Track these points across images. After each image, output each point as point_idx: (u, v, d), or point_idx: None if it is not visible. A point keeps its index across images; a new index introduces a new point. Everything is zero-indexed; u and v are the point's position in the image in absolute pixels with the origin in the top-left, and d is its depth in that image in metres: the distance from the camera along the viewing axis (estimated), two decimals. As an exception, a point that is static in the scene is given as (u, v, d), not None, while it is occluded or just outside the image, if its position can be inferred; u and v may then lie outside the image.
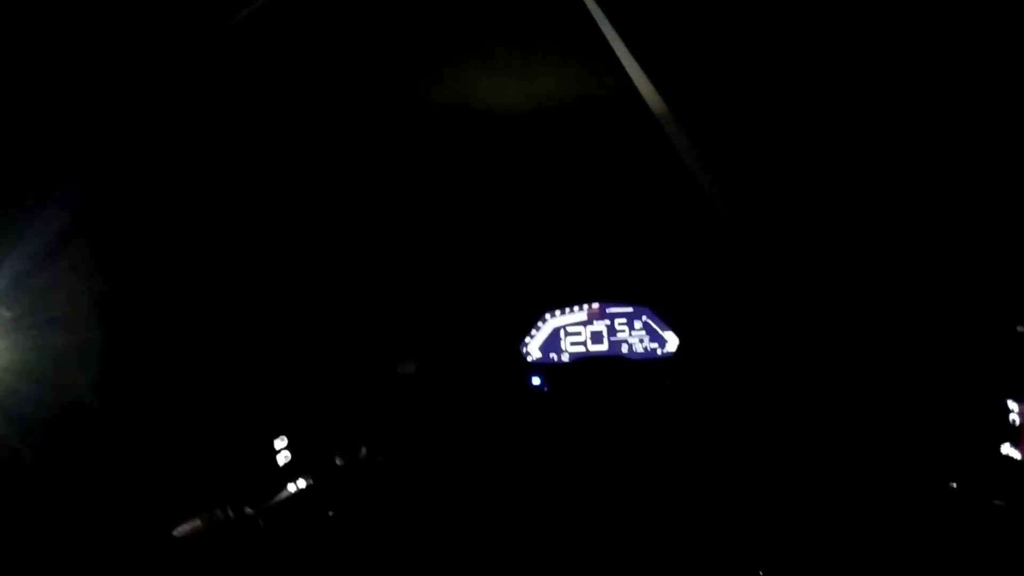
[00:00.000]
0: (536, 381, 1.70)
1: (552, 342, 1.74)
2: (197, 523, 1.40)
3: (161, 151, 4.28)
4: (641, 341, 1.72)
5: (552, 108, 4.44)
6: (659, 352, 1.71)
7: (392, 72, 5.57)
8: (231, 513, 1.41)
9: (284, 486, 1.46)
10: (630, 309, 1.74)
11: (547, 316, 1.74)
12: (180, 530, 1.39)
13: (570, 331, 1.74)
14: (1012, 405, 1.54)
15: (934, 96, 3.87)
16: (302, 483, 1.47)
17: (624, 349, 1.72)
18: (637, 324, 1.73)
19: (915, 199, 2.70)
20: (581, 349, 1.73)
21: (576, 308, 1.74)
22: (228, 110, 4.99)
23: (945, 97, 3.83)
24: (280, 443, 1.47)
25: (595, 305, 1.74)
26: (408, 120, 4.58)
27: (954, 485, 1.53)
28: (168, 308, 2.00)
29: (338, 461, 1.50)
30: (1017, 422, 1.54)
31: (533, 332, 1.74)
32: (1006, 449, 1.53)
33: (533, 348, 1.74)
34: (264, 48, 6.21)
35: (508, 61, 5.57)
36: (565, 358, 1.73)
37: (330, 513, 1.48)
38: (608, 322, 1.74)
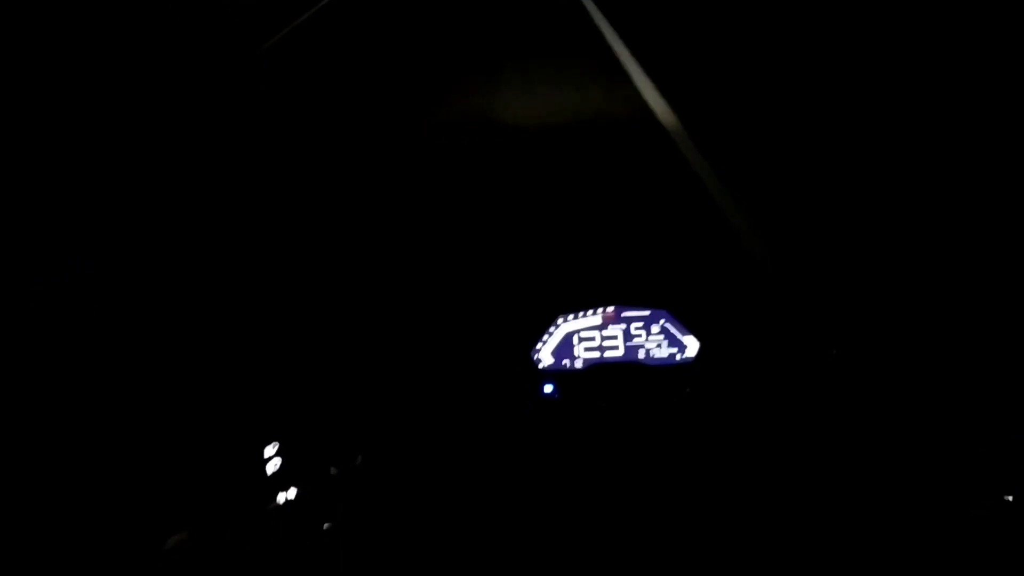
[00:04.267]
0: (548, 389, 1.59)
1: (565, 348, 1.63)
2: (183, 536, 1.28)
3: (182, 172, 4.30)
4: (659, 346, 1.62)
5: (571, 123, 4.42)
6: (678, 358, 1.61)
7: (414, 88, 5.63)
8: (218, 526, 1.28)
9: (274, 497, 1.33)
10: (647, 312, 1.64)
11: (559, 320, 1.64)
12: (167, 544, 1.26)
13: (584, 336, 1.64)
14: None
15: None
16: (293, 493, 1.34)
17: (641, 355, 1.62)
18: (655, 328, 1.63)
19: (935, 215, 2.64)
20: (596, 355, 1.63)
21: (590, 312, 1.64)
22: (258, 128, 5.05)
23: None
24: (270, 450, 1.34)
25: (610, 309, 1.64)
26: (428, 133, 4.57)
27: (1010, 498, 1.42)
28: (156, 309, 1.90)
29: (332, 470, 1.37)
30: None
31: (545, 337, 1.63)
32: None
33: (545, 354, 1.63)
34: (296, 68, 6.37)
35: (528, 79, 5.59)
36: (579, 364, 1.63)
37: (324, 526, 1.35)
38: (624, 326, 1.63)
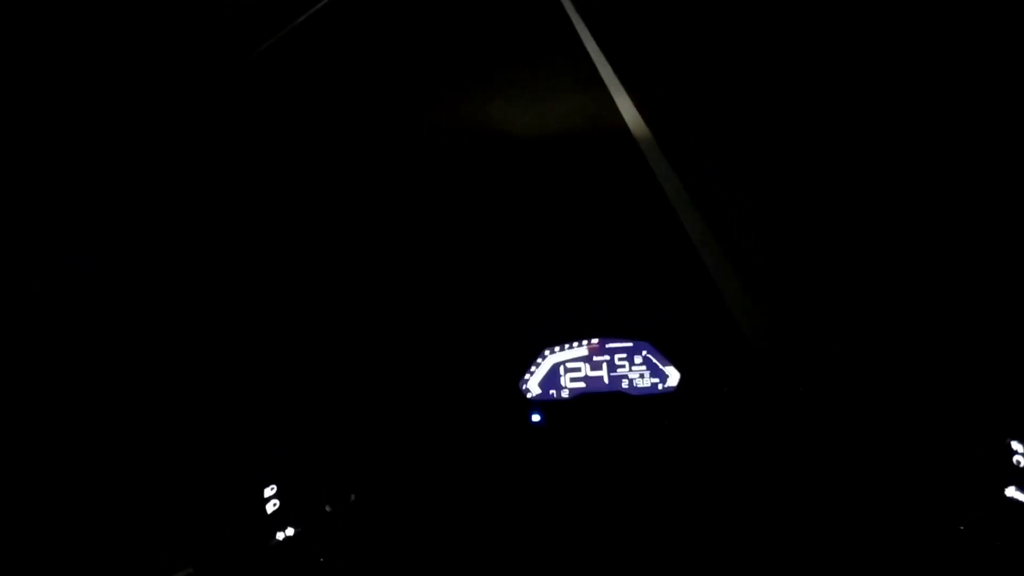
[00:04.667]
0: (536, 418, 1.65)
1: (552, 378, 1.69)
2: (188, 572, 1.35)
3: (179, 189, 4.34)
4: (642, 376, 1.68)
5: (549, 139, 4.41)
6: (660, 387, 1.67)
7: (400, 96, 5.65)
8: (221, 562, 1.35)
9: (273, 535, 1.40)
10: (630, 344, 1.69)
11: (546, 352, 1.69)
12: None
13: (570, 367, 1.69)
14: (1017, 446, 1.51)
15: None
16: (291, 531, 1.41)
17: (625, 385, 1.68)
18: (637, 359, 1.68)
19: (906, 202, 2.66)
20: (581, 385, 1.69)
21: (576, 344, 1.70)
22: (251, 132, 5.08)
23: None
24: (269, 491, 1.41)
25: (595, 340, 1.70)
26: (409, 147, 4.58)
27: (961, 528, 1.49)
28: (157, 344, 1.96)
29: (327, 508, 1.44)
30: (1022, 463, 1.50)
31: (532, 368, 1.69)
32: (1011, 492, 1.49)
33: (532, 384, 1.69)
34: (288, 73, 6.45)
35: (514, 89, 5.56)
36: (565, 394, 1.69)
37: (320, 560, 1.43)
38: (608, 357, 1.69)
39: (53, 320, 3.60)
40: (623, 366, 1.68)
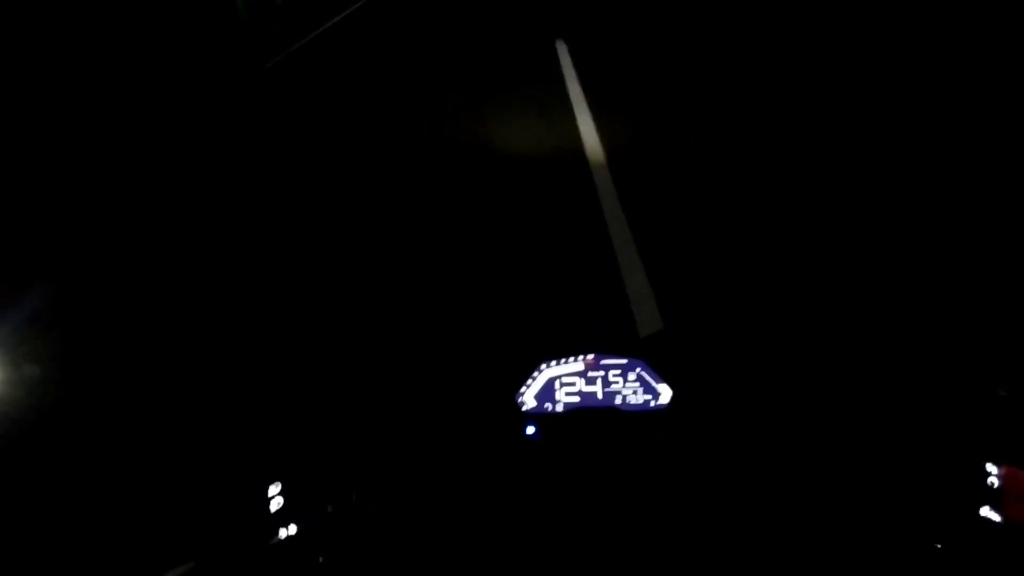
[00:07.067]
0: (530, 430, 1.71)
1: (547, 392, 1.75)
2: (190, 567, 1.39)
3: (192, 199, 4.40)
4: (635, 393, 1.74)
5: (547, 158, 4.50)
6: (652, 404, 1.73)
7: (394, 109, 5.77)
8: (223, 558, 1.40)
9: (276, 532, 1.45)
10: (624, 361, 1.76)
11: (542, 366, 1.76)
12: (172, 574, 1.38)
13: (565, 381, 1.76)
14: (991, 468, 1.57)
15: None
16: (293, 529, 1.46)
17: (618, 400, 1.74)
18: (631, 376, 1.75)
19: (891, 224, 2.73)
20: (575, 399, 1.75)
21: (572, 359, 1.76)
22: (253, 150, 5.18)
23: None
24: (274, 489, 1.46)
25: (590, 356, 1.76)
26: (407, 154, 4.67)
27: (938, 546, 1.54)
28: (162, 344, 2.00)
29: (329, 508, 1.49)
30: (996, 484, 1.56)
31: (528, 382, 1.75)
32: (985, 512, 1.55)
33: (528, 397, 1.75)
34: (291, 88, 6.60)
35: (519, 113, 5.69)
36: (559, 408, 1.75)
37: (320, 559, 1.47)
38: (603, 373, 1.75)
39: (53, 320, 3.62)
40: (617, 382, 1.75)
